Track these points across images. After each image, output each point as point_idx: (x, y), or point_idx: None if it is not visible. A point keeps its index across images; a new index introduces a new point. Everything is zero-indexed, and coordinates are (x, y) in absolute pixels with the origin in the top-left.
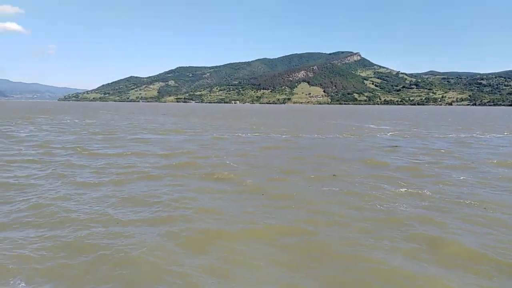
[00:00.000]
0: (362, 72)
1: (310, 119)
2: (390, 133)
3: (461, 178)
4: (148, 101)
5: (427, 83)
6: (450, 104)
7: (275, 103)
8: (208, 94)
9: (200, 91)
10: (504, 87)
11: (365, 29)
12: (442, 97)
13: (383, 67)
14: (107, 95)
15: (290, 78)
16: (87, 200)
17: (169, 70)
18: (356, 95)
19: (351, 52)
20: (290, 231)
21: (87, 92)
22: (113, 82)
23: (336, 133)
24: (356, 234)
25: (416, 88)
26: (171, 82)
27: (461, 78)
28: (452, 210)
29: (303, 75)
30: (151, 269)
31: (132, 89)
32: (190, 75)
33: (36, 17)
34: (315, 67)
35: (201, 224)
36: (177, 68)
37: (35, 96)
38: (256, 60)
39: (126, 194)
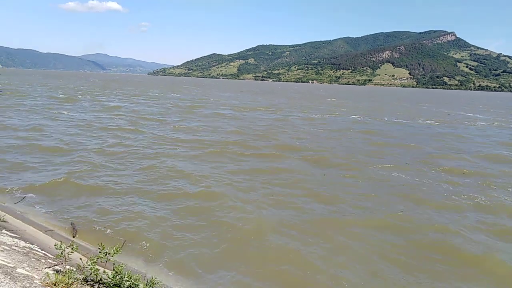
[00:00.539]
0: (455, 53)
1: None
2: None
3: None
4: (227, 78)
5: None
6: None
7: (354, 84)
8: (286, 73)
9: (278, 70)
10: None
11: (463, 5)
12: None
13: (482, 49)
14: (191, 71)
15: (373, 58)
16: None
17: (250, 48)
18: (446, 79)
19: (445, 31)
20: None
21: (173, 67)
22: (196, 58)
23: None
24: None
25: None
26: (251, 60)
27: None
28: None
29: (388, 56)
30: None
31: (213, 66)
32: (270, 53)
33: None
34: (401, 47)
35: None
36: (257, 46)
37: (128, 69)
38: (338, 38)
39: None
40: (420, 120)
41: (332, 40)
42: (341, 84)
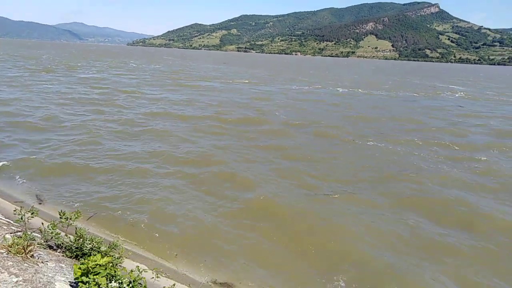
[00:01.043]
0: (438, 26)
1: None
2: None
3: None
4: (209, 49)
5: None
6: None
7: (338, 56)
8: (269, 44)
9: (261, 41)
10: None
11: None
12: None
13: (464, 21)
14: (172, 41)
15: (356, 30)
16: None
17: (233, 18)
18: (427, 51)
19: (429, 2)
20: None
21: (154, 38)
22: (177, 28)
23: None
24: None
25: (500, 45)
26: (234, 31)
27: None
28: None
29: (372, 27)
30: None
31: (195, 36)
32: (253, 24)
33: None
34: (385, 19)
35: None
36: (240, 16)
37: (106, 40)
38: (322, 9)
39: None
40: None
41: (317, 10)
42: (324, 56)
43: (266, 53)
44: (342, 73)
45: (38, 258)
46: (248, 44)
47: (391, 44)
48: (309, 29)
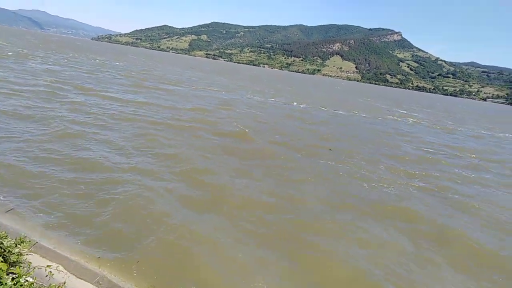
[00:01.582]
0: (399, 53)
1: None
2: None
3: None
4: (177, 53)
5: (465, 74)
6: (484, 99)
7: (304, 73)
8: (238, 54)
9: (230, 50)
10: None
11: (412, 7)
12: (478, 91)
13: (423, 51)
14: (139, 40)
15: (323, 49)
16: None
17: (203, 24)
18: (388, 76)
19: (392, 30)
20: None
21: (120, 35)
22: (146, 28)
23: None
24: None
25: (453, 77)
26: (204, 37)
27: (502, 74)
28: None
29: (338, 48)
30: None
31: (164, 38)
32: (224, 32)
33: None
34: (351, 41)
35: None
36: (211, 23)
37: (69, 32)
38: (292, 25)
39: None
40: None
41: (287, 26)
42: (291, 71)
43: (234, 62)
44: (310, 90)
45: None
46: (217, 51)
47: (355, 66)
48: (278, 43)
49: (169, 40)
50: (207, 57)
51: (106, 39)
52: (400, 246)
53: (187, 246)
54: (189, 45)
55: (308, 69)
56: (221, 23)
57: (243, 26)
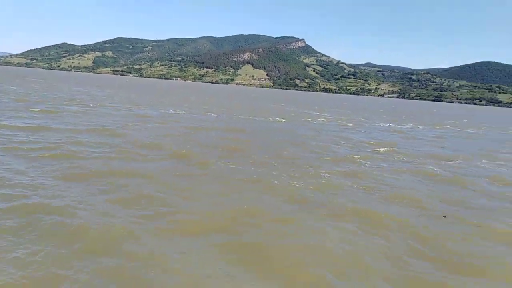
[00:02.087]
0: (305, 58)
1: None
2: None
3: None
4: (81, 71)
5: (364, 74)
6: (382, 95)
7: (218, 83)
8: (148, 69)
9: (139, 65)
10: (430, 83)
11: (314, 15)
12: (376, 88)
13: (325, 56)
14: (35, 61)
15: (234, 59)
16: None
17: (107, 40)
18: (297, 81)
19: (297, 38)
20: None
21: (11, 56)
22: (42, 47)
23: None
24: None
25: (354, 78)
26: (109, 53)
27: (394, 72)
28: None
29: (248, 57)
30: None
31: (64, 56)
32: (130, 47)
33: None
34: (260, 50)
35: None
36: (116, 38)
37: None
38: (201, 37)
39: None
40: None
41: (196, 38)
42: (205, 82)
43: (145, 77)
44: (225, 100)
45: None
46: (126, 67)
47: (266, 73)
48: (189, 55)
49: (70, 59)
50: (114, 74)
51: None
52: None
53: None
54: (93, 62)
55: (221, 79)
56: (126, 38)
57: (151, 40)
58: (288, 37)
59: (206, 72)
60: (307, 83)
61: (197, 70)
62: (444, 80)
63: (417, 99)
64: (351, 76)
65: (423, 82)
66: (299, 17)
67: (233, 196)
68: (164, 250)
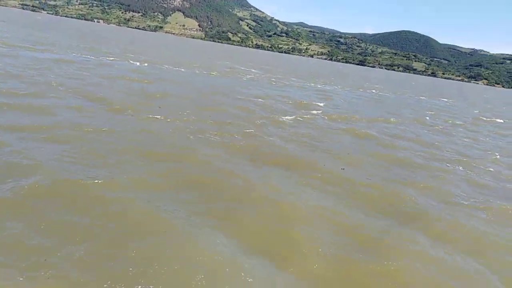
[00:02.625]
0: (239, 12)
1: None
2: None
3: None
4: None
5: (296, 33)
6: (312, 56)
7: (145, 29)
8: (66, 6)
9: (54, 1)
10: (356, 48)
11: None
12: (307, 48)
13: (260, 11)
14: None
15: (164, 5)
16: None
17: None
18: (230, 35)
19: None
20: None
21: None
22: None
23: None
24: None
25: (286, 36)
26: None
27: (324, 34)
28: None
29: (179, 4)
30: None
31: None
32: None
33: None
34: None
35: None
36: None
37: None
38: None
39: None
40: None
41: None
42: (130, 27)
43: (61, 15)
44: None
45: None
46: (37, 2)
47: (197, 23)
48: None
49: None
50: (23, 9)
51: None
52: None
53: None
54: None
55: (149, 26)
56: None
57: None
58: None
59: (132, 17)
60: (240, 37)
61: (122, 13)
62: (369, 45)
63: (343, 62)
64: (283, 34)
65: (350, 46)
66: None
67: None
68: None
